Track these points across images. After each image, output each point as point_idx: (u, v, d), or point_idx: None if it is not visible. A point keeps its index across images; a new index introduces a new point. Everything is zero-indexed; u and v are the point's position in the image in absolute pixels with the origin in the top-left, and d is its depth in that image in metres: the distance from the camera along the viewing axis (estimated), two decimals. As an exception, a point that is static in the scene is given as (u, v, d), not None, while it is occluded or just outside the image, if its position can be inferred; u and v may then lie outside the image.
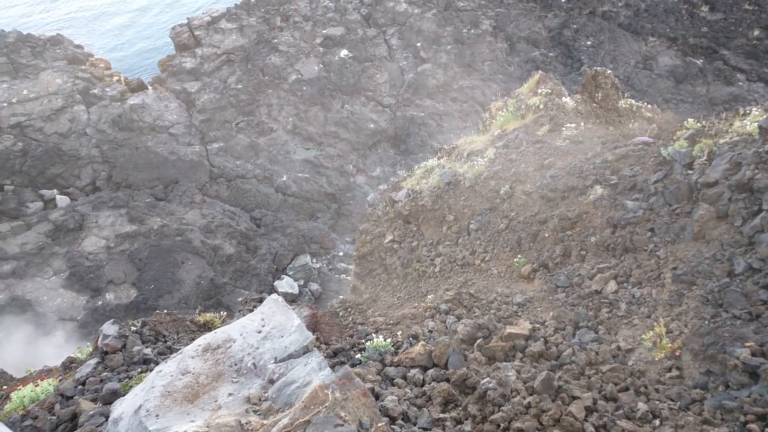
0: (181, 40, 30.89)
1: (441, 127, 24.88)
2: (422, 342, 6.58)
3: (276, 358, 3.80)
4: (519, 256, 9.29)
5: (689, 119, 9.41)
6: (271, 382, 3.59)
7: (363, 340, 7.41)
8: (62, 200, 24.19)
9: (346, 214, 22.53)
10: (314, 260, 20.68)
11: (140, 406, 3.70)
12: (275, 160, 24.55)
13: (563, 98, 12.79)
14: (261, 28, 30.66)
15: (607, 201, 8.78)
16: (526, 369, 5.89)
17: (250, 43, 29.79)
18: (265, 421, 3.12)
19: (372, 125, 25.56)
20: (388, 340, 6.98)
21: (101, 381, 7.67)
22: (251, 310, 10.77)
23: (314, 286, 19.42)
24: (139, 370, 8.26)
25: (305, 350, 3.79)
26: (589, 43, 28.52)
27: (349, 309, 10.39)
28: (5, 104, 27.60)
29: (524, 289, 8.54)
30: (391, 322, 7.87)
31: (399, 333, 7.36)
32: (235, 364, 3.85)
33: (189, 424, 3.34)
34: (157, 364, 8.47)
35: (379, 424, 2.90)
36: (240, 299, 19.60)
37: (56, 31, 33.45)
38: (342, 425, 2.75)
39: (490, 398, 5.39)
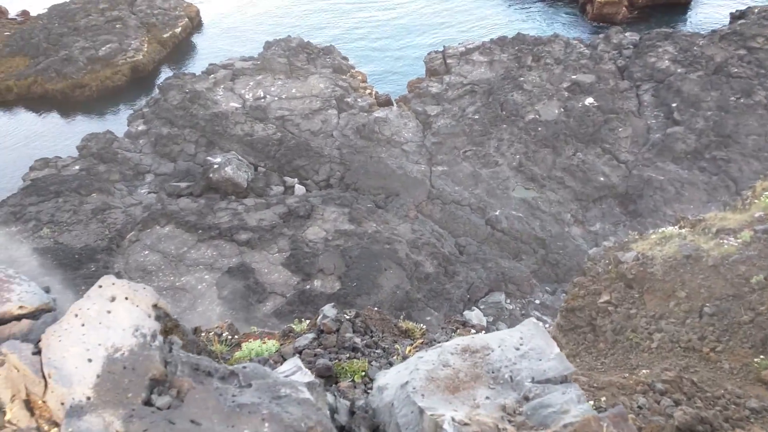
0: (433, 65, 32.92)
1: (680, 196, 22.56)
2: (631, 416, 5.96)
3: (533, 378, 3.92)
4: (761, 356, 7.93)
5: None
6: (526, 399, 3.71)
7: (559, 395, 6.97)
8: (299, 189, 27.28)
9: (552, 262, 21.61)
10: (508, 300, 20.20)
11: (407, 383, 4.08)
12: (493, 194, 24.64)
13: None
14: (510, 64, 31.22)
15: None
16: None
17: (496, 78, 30.51)
18: (520, 433, 3.24)
19: (602, 178, 24.24)
20: (591, 402, 6.46)
21: (315, 355, 8.35)
22: (454, 330, 10.91)
23: (503, 327, 18.96)
24: (348, 355, 8.79)
25: (564, 379, 3.88)
26: None
27: (544, 359, 9.87)
28: (276, 98, 32.25)
29: (762, 396, 7.25)
30: (595, 385, 7.29)
31: (603, 399, 6.79)
32: (493, 372, 4.05)
33: (452, 412, 3.59)
34: (363, 354, 9.00)
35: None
36: (430, 317, 20.01)
37: (330, 42, 38.05)
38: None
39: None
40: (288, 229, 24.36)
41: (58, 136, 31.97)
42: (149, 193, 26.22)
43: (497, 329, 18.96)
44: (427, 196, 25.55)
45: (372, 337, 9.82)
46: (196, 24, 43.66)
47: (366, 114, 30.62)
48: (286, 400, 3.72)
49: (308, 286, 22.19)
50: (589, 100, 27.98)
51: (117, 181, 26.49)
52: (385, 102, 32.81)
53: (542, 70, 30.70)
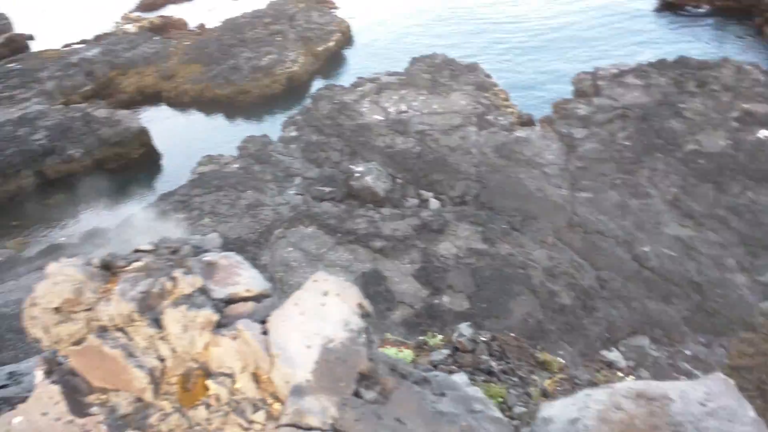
0: (582, 87, 31.60)
1: None
2: None
3: (724, 442, 3.61)
4: None
5: None
6: (722, 465, 3.44)
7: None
8: (434, 203, 27.42)
9: (709, 311, 19.64)
10: (653, 346, 18.67)
11: (577, 419, 3.98)
12: (642, 227, 23.01)
13: None
14: (669, 89, 29.08)
15: None
16: None
17: (652, 103, 28.57)
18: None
19: (776, 223, 21.68)
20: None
21: (450, 372, 8.31)
22: (597, 370, 10.37)
23: (645, 375, 17.53)
24: (483, 378, 8.61)
25: (763, 452, 3.52)
26: None
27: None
28: (418, 113, 32.81)
29: None
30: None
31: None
32: (674, 425, 3.79)
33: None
34: (499, 380, 8.80)
35: None
36: (563, 351, 19.09)
37: (474, 59, 38.02)
38: None
39: None
40: (420, 241, 24.59)
41: (222, 136, 35.20)
42: (296, 194, 27.89)
43: (639, 376, 17.57)
44: (567, 222, 24.49)
45: (508, 363, 9.59)
46: (347, 39, 45.85)
47: (507, 133, 30.13)
48: (481, 416, 3.76)
49: (437, 301, 22.18)
50: (764, 133, 25.20)
51: (269, 181, 28.51)
52: (527, 121, 32.07)
53: (707, 96, 28.22)
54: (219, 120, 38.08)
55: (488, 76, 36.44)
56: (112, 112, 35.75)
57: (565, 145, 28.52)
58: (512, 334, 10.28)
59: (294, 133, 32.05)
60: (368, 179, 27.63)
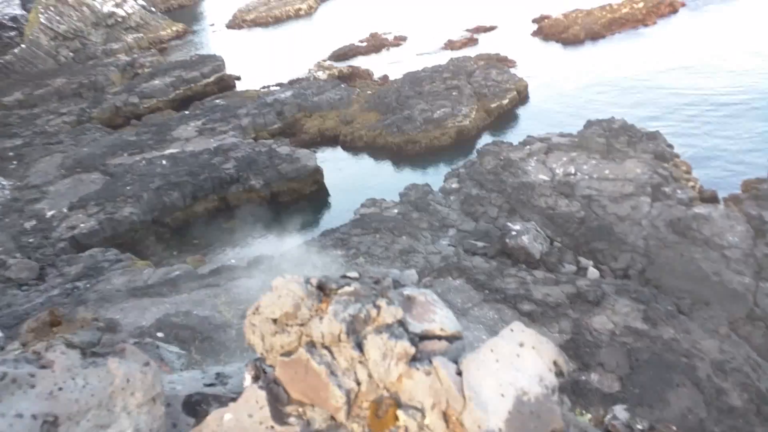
0: (780, 168, 28.48)
1: None
2: None
3: None
4: None
5: None
6: None
7: None
8: (593, 273, 26.12)
9: None
10: None
11: None
12: (844, 335, 19.84)
13: None
14: None
15: None
16: None
17: None
18: None
19: None
20: None
21: (599, 458, 7.96)
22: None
23: (835, 508, 14.85)
24: (631, 470, 8.17)
25: None
26: None
27: None
28: (586, 177, 31.79)
29: None
30: None
31: None
32: None
33: None
34: (651, 475, 8.22)
35: None
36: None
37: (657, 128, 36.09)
38: None
39: None
40: (573, 311, 23.48)
41: (387, 181, 37.13)
42: (449, 245, 28.34)
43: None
44: (746, 313, 21.94)
45: (663, 459, 8.89)
46: (522, 97, 46.16)
47: (684, 207, 27.98)
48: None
49: (583, 377, 20.89)
50: None
51: (424, 229, 29.37)
52: (709, 198, 29.54)
53: None
54: (386, 166, 40.20)
55: (670, 146, 34.30)
56: (293, 149, 39.43)
57: (753, 228, 25.72)
58: (674, 428, 9.48)
59: (455, 185, 32.79)
60: (524, 239, 27.24)
